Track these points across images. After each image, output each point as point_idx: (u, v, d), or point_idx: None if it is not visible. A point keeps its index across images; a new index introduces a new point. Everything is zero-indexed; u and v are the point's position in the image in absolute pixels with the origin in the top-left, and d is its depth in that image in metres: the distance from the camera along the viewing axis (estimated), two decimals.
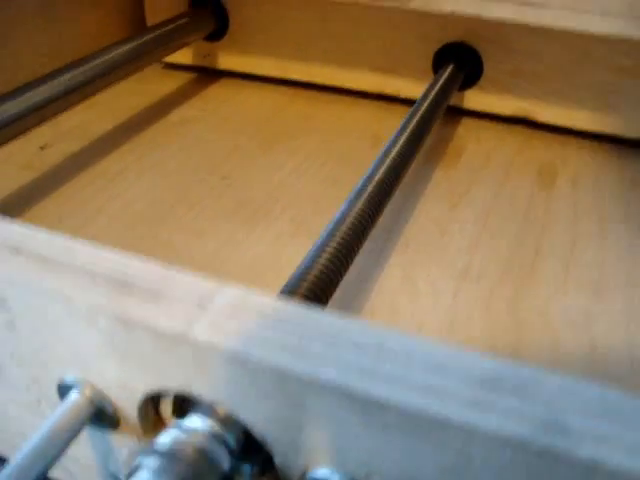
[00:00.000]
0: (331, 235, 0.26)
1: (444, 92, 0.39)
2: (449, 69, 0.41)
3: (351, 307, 0.31)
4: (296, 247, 0.34)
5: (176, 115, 0.49)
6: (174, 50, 0.47)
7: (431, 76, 0.45)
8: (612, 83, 0.41)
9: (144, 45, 0.44)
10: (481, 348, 0.29)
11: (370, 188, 0.30)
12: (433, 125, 0.37)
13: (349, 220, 0.27)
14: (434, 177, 0.41)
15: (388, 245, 0.35)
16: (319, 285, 0.23)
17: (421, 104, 0.38)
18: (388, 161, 0.32)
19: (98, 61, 0.41)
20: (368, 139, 0.45)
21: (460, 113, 0.48)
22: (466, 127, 0.47)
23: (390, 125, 0.46)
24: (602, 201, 0.40)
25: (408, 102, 0.48)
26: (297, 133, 0.46)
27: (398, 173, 0.32)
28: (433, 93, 0.39)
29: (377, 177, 0.31)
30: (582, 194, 0.40)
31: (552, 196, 0.40)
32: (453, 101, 0.44)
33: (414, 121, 0.36)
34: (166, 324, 0.17)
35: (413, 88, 0.46)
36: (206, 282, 0.18)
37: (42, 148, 0.44)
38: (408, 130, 0.35)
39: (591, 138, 0.45)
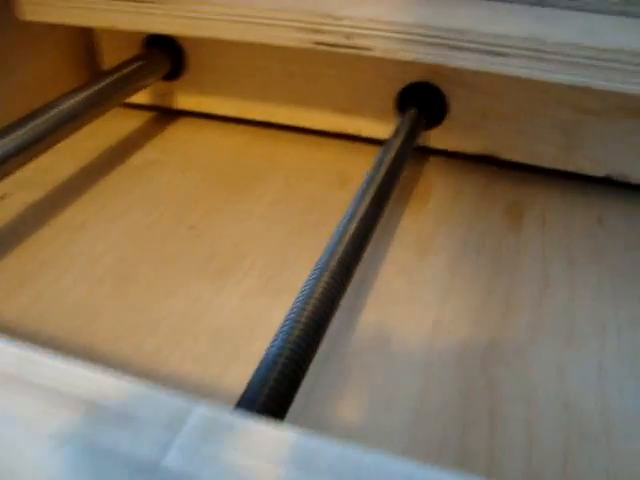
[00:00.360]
0: (293, 325, 0.25)
1: (410, 136, 0.39)
2: (414, 111, 0.41)
3: (326, 369, 0.31)
4: (265, 307, 0.34)
5: (138, 157, 0.48)
6: (133, 93, 0.46)
7: (394, 115, 0.44)
8: (576, 122, 0.41)
9: (103, 91, 0.43)
10: (456, 414, 0.29)
11: (332, 268, 0.29)
12: (401, 175, 0.37)
13: (312, 304, 0.26)
14: (403, 221, 0.41)
15: (359, 300, 0.35)
16: (285, 383, 0.23)
17: (387, 151, 0.37)
18: (354, 227, 0.31)
19: (57, 110, 0.40)
20: (333, 180, 0.45)
21: (426, 152, 0.48)
22: (433, 165, 0.47)
23: (354, 164, 0.46)
24: (570, 241, 0.40)
25: (372, 140, 0.48)
26: (261, 175, 0.45)
27: (365, 238, 0.32)
28: (399, 138, 0.38)
29: (342, 249, 0.30)
30: (550, 234, 0.40)
31: (521, 237, 0.40)
32: (419, 141, 0.44)
33: (381, 173, 0.35)
34: (137, 452, 0.16)
35: (376, 128, 0.46)
36: (177, 400, 0.18)
37: (2, 198, 0.43)
38: (376, 184, 0.35)
39: (557, 175, 0.46)
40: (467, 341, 0.33)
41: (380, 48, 0.36)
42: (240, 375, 0.30)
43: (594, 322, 0.34)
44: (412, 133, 0.39)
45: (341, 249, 0.30)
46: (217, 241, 0.39)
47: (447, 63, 0.35)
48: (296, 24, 0.38)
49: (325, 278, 0.28)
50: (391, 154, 0.37)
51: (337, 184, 0.45)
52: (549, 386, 0.30)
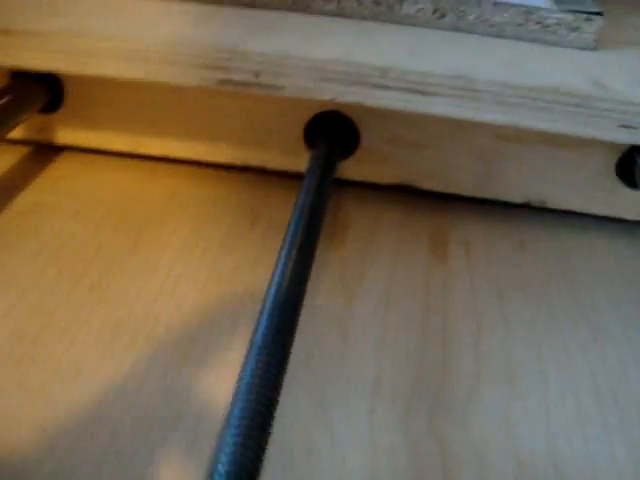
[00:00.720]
0: (237, 436, 0.22)
1: (328, 170, 0.36)
2: (326, 143, 0.38)
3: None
4: (190, 381, 0.31)
5: (22, 201, 0.42)
6: (5, 132, 0.41)
7: (302, 146, 0.42)
8: (494, 150, 0.40)
9: None
10: None
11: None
12: (325, 216, 0.34)
13: (254, 400, 0.23)
14: (324, 263, 0.38)
15: (291, 363, 0.32)
16: None
17: (308, 190, 0.34)
18: (286, 286, 0.28)
19: None
20: (244, 218, 0.42)
21: (339, 183, 0.45)
22: (347, 198, 0.44)
23: (263, 199, 0.43)
24: (496, 270, 0.39)
25: (279, 173, 0.45)
26: (165, 217, 0.41)
27: (300, 297, 0.29)
28: (317, 174, 0.35)
29: (276, 320, 0.27)
30: (476, 264, 0.39)
31: (447, 270, 0.38)
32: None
33: (305, 217, 0.32)
34: None
35: (283, 160, 0.44)
36: None
37: None
38: (302, 231, 0.32)
39: (477, 200, 0.44)
40: (410, 400, 0.31)
41: (293, 87, 0.33)
42: (172, 474, 0.27)
43: (532, 362, 0.33)
44: (329, 167, 0.37)
45: (275, 320, 0.27)
46: (124, 303, 0.35)
47: (368, 103, 0.33)
48: (195, 60, 0.34)
49: (263, 359, 0.25)
50: (311, 193, 0.34)
51: (248, 223, 0.41)
52: (500, 443, 0.29)
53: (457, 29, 0.37)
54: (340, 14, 0.38)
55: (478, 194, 0.43)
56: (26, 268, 0.37)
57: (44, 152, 0.47)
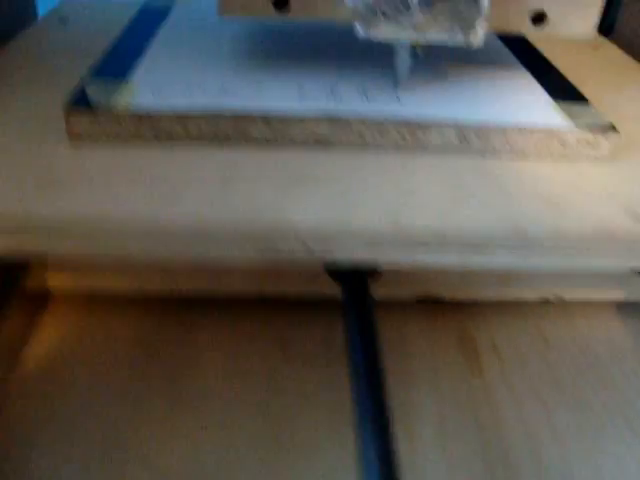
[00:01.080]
0: None
1: (365, 301, 0.36)
2: (355, 273, 0.37)
3: None
4: None
5: (28, 359, 0.39)
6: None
7: (319, 268, 0.40)
8: None
9: None
10: None
11: None
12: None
13: None
14: None
15: None
16: None
17: (356, 351, 0.33)
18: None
19: None
20: (276, 346, 0.40)
21: None
22: None
23: (289, 327, 0.42)
24: (530, 372, 0.40)
25: (298, 301, 0.43)
26: (188, 364, 0.39)
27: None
28: (358, 326, 0.34)
29: None
30: (509, 369, 0.40)
31: (486, 382, 0.39)
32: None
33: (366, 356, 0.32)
34: None
35: (302, 288, 0.42)
36: None
37: None
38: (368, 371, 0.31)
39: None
40: None
41: (344, 254, 0.32)
42: None
43: (589, 472, 0.35)
44: (363, 299, 0.36)
45: None
46: (164, 471, 0.33)
47: (425, 262, 0.32)
48: (234, 237, 0.32)
49: None
50: (362, 350, 0.33)
51: (280, 352, 0.40)
52: None
53: (482, 154, 0.37)
54: (362, 146, 0.37)
55: (498, 298, 0.44)
56: (49, 450, 0.34)
57: (35, 300, 0.43)
